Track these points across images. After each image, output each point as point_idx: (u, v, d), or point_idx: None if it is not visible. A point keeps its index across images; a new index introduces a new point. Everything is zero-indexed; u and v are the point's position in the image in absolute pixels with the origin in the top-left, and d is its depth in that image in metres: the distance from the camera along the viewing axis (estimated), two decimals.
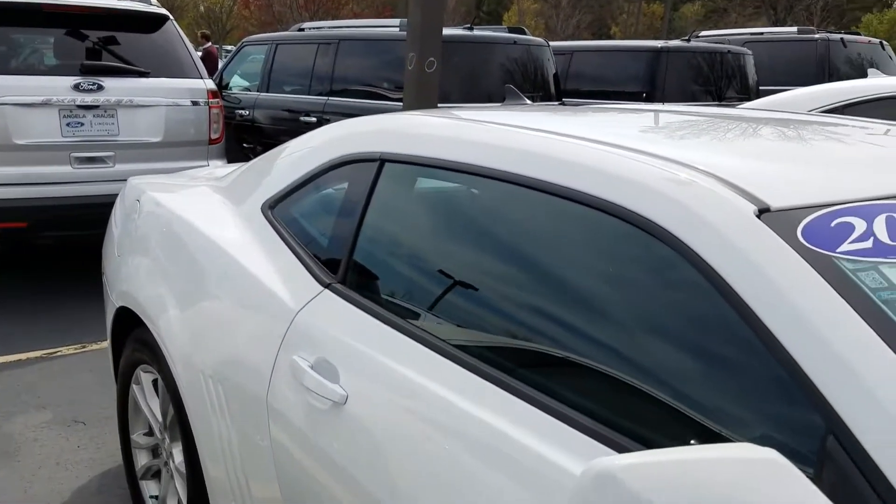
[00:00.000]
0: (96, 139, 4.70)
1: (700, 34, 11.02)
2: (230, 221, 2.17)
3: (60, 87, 4.58)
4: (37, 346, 4.09)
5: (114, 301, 2.50)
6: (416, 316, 1.56)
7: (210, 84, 5.17)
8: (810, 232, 1.08)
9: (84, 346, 4.12)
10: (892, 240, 1.07)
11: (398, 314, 1.58)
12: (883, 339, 0.94)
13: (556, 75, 6.99)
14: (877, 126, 1.81)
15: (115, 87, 4.75)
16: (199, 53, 13.95)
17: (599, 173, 1.30)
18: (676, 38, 8.75)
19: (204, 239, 2.15)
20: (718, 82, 8.01)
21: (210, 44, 15.26)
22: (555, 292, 1.33)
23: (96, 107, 4.68)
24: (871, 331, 0.95)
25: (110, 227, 2.82)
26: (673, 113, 2.00)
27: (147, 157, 4.88)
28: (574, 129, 1.58)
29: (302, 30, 7.56)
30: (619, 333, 1.20)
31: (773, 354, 1.00)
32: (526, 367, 1.32)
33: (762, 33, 10.21)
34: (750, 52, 8.25)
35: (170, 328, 2.10)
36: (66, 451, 3.07)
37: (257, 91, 7.50)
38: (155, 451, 2.49)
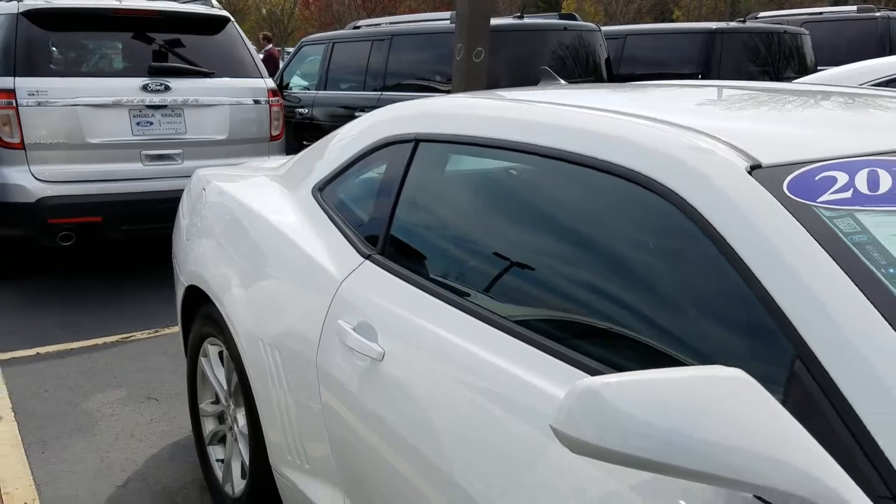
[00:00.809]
0: (165, 137, 4.97)
1: (758, 16, 10.88)
2: (285, 205, 2.34)
3: (130, 87, 4.86)
4: (112, 331, 4.37)
5: (183, 281, 2.71)
6: (446, 281, 1.70)
7: (270, 83, 5.40)
8: (795, 185, 1.18)
9: (157, 331, 4.38)
10: (870, 190, 1.17)
11: (428, 279, 1.73)
12: (850, 278, 1.04)
13: (607, 60, 7.03)
14: (891, 94, 1.87)
15: (182, 88, 5.01)
16: (261, 55, 14.38)
17: (609, 139, 1.43)
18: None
19: (262, 222, 2.33)
20: (775, 63, 7.93)
21: (271, 45, 15.65)
22: (570, 251, 1.45)
23: (164, 106, 4.95)
24: (841, 270, 1.05)
25: (179, 215, 3.03)
26: (701, 87, 2.09)
27: (213, 153, 5.13)
28: (594, 101, 1.70)
29: (357, 27, 7.77)
30: (626, 285, 1.32)
31: (754, 292, 1.11)
32: (546, 322, 1.45)
33: (821, 13, 10.03)
34: (807, 31, 8.13)
35: (234, 303, 2.29)
36: (139, 425, 3.31)
37: (315, 90, 7.74)
38: (221, 418, 2.69)
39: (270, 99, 5.31)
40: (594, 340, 1.35)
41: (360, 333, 1.77)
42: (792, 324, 1.04)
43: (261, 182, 2.63)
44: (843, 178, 1.20)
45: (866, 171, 1.21)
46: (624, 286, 1.33)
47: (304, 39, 8.37)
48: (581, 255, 1.43)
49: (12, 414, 3.38)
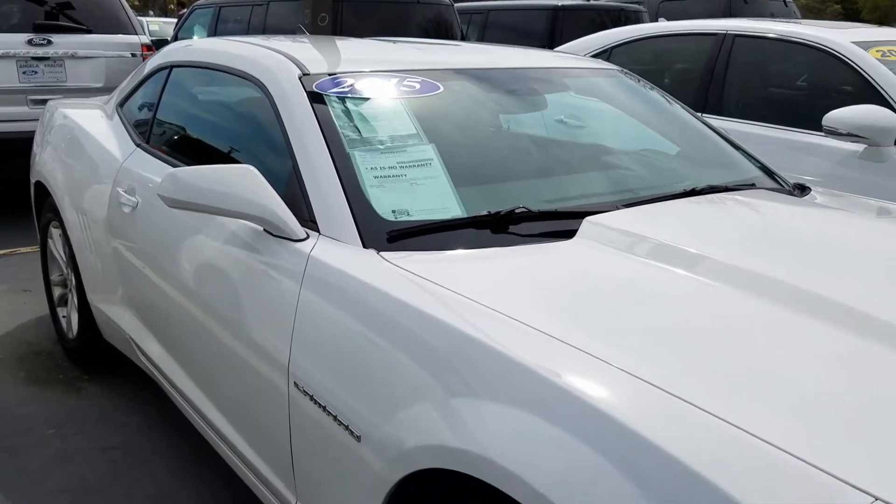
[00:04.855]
0: (48, 85, 5.77)
1: None
2: (99, 118, 3.25)
3: (17, 42, 5.64)
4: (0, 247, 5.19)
5: (31, 180, 3.59)
6: (174, 153, 2.64)
7: (145, 39, 6.22)
8: (321, 84, 2.15)
9: (37, 248, 5.20)
10: (358, 88, 2.14)
11: (166, 153, 2.67)
12: (320, 126, 2.01)
13: (463, 34, 7.99)
14: (455, 46, 2.86)
15: (63, 42, 5.80)
16: (176, 20, 14.95)
17: (238, 57, 2.40)
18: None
19: (81, 130, 3.23)
20: None
21: (185, 10, 16.25)
22: (222, 124, 2.42)
23: (47, 58, 5.74)
24: (317, 123, 2.02)
25: (36, 135, 3.90)
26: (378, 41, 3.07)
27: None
28: (269, 42, 2.65)
29: None
30: (238, 137, 2.29)
31: (283, 136, 2.08)
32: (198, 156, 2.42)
33: None
34: (644, 9, 9.21)
35: (61, 188, 3.19)
36: (14, 306, 4.17)
37: None
38: (65, 285, 3.59)
39: (144, 53, 6.14)
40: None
41: (127, 193, 2.69)
42: (292, 147, 2.02)
43: (91, 105, 3.52)
44: (350, 81, 2.17)
45: (367, 79, 2.19)
46: (237, 137, 2.29)
47: (195, 4, 9.14)
48: (226, 125, 2.39)
49: None
